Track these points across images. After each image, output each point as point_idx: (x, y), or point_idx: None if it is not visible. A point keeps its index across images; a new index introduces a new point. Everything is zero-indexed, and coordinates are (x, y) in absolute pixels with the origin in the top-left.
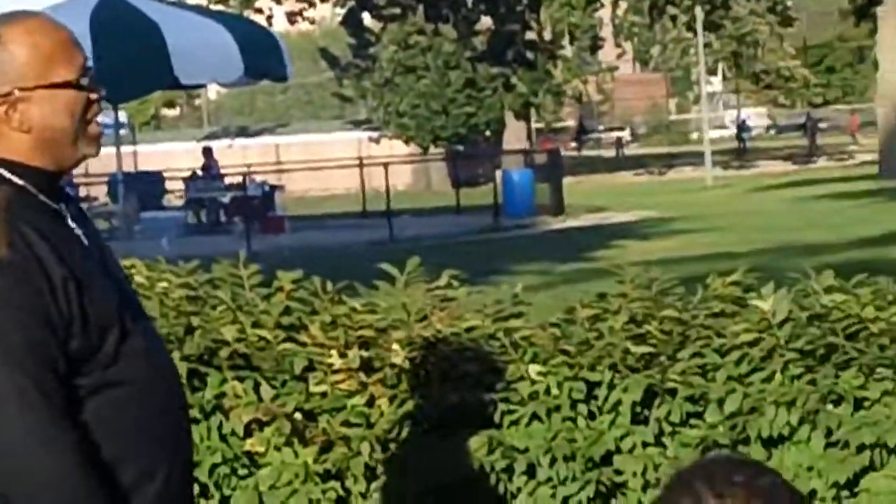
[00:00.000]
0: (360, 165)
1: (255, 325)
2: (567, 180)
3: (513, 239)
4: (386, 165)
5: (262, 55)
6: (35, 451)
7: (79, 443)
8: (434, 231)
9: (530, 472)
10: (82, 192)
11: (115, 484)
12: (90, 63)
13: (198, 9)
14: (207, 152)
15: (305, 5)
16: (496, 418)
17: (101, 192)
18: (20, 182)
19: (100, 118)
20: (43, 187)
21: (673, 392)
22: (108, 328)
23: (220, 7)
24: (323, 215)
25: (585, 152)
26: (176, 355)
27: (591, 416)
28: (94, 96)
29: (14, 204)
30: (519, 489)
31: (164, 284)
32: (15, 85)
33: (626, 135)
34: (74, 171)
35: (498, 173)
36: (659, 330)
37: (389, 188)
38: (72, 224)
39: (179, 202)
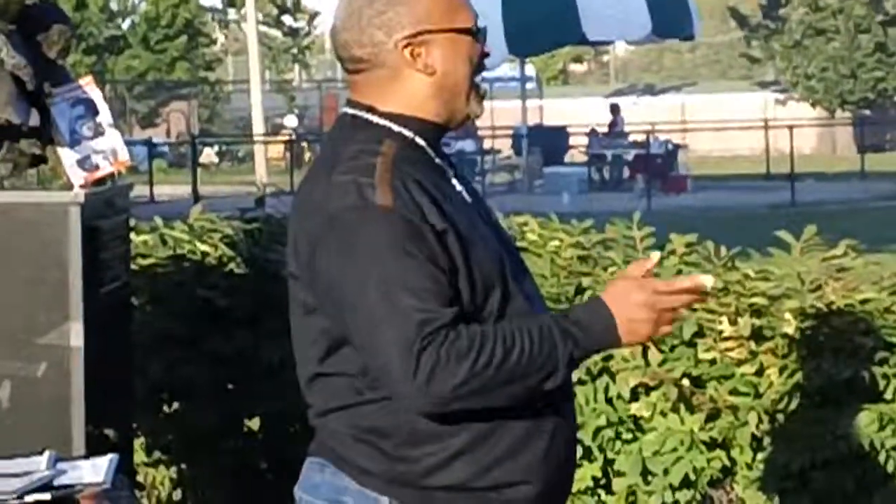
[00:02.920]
0: (766, 127)
1: None
2: None
3: None
4: (791, 128)
5: (670, 13)
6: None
7: None
8: (837, 196)
9: None
10: (486, 144)
11: None
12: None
13: None
14: (615, 109)
15: None
16: (888, 394)
17: (505, 145)
18: (409, 134)
19: (508, 72)
20: (430, 141)
21: None
22: (491, 288)
23: None
24: (725, 176)
25: None
26: None
27: None
28: (486, 51)
29: (399, 157)
30: None
31: (556, 243)
32: (422, 26)
33: None
34: (479, 123)
35: None
36: None
37: (794, 151)
38: (454, 181)
39: (583, 158)
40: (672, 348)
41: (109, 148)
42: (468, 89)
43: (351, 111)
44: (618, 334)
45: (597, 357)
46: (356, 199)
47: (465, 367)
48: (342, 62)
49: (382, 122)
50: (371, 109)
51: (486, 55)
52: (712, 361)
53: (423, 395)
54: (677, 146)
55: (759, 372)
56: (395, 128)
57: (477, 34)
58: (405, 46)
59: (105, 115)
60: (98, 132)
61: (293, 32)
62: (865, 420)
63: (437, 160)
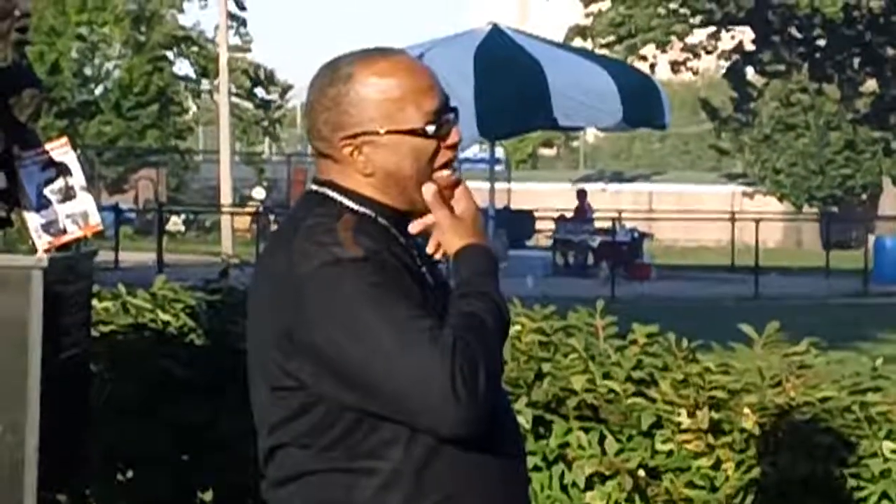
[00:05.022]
0: (732, 219)
1: (606, 376)
2: None
3: (880, 306)
4: (757, 221)
5: (642, 102)
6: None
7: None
8: (800, 291)
9: None
10: None
11: None
12: (452, 105)
13: (581, 52)
14: (582, 194)
15: (690, 55)
16: (844, 494)
17: None
18: (370, 213)
19: (477, 154)
20: (391, 221)
21: None
22: None
23: (604, 52)
24: (690, 266)
25: None
26: (523, 401)
27: None
28: (445, 143)
29: (358, 228)
30: None
31: (518, 328)
32: (361, 128)
33: None
34: None
35: (870, 238)
36: None
37: (759, 244)
38: (418, 261)
39: (548, 242)
40: (629, 438)
41: (80, 212)
42: (418, 183)
43: (314, 187)
44: (481, 243)
45: (553, 444)
46: (325, 256)
47: (482, 357)
48: None
49: (342, 199)
50: (332, 186)
51: (457, 143)
52: (669, 453)
53: (469, 404)
54: (643, 234)
55: (716, 465)
56: (355, 206)
57: (425, 132)
58: (345, 146)
59: (78, 178)
60: (69, 195)
61: (265, 105)
62: None
63: (401, 238)
